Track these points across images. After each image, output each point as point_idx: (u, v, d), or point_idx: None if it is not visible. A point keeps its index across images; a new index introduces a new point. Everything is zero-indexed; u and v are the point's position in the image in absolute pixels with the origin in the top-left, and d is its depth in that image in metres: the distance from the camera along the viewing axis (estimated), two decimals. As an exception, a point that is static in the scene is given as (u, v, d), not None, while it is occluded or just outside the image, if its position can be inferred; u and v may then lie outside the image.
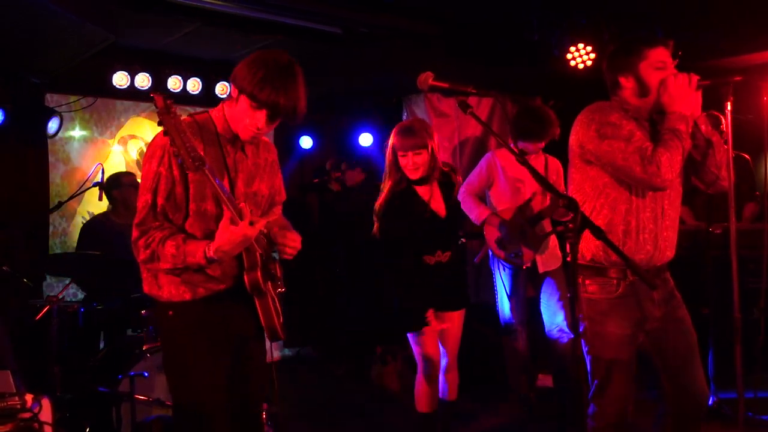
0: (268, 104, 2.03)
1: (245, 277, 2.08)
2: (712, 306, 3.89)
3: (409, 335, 3.21)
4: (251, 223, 1.95)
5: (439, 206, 3.22)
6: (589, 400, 2.40)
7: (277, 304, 2.23)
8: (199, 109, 2.29)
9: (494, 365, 4.58)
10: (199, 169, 1.84)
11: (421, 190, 3.20)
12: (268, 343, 2.31)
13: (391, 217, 3.16)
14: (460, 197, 3.96)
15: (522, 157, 2.04)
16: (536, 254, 3.84)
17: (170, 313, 2.11)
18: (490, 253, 4.01)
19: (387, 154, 3.22)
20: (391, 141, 3.20)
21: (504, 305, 4.04)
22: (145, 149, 4.46)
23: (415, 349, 3.23)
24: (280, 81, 2.03)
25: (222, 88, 5.28)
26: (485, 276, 4.49)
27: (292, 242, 2.28)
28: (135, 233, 2.05)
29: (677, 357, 2.41)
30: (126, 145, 5.47)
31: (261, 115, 2.06)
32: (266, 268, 2.18)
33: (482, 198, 4.08)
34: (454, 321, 3.27)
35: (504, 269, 3.98)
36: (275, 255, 2.35)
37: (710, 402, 3.68)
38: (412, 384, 3.34)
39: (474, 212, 3.92)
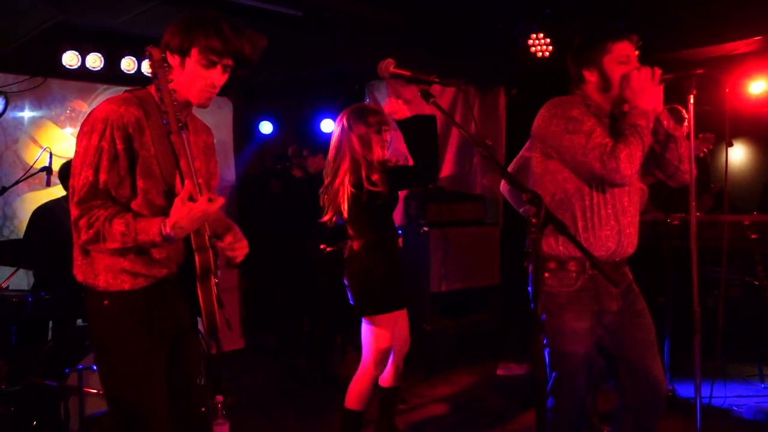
0: (234, 53, 1.98)
1: (196, 258, 1.98)
2: (669, 296, 3.93)
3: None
4: (210, 200, 1.87)
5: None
6: (548, 393, 2.40)
7: (218, 294, 2.13)
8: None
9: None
10: (182, 130, 1.85)
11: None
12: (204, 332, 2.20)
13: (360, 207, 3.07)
14: None
15: (487, 150, 1.97)
16: None
17: (105, 302, 1.99)
18: None
19: (352, 140, 3.11)
20: (362, 122, 3.13)
21: None
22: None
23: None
24: (233, 29, 1.98)
25: (129, 63, 4.92)
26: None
27: (241, 246, 2.22)
28: (75, 212, 1.90)
29: (635, 350, 2.41)
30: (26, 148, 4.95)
31: (215, 72, 2.00)
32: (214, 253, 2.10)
33: None
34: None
35: None
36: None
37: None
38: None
39: None
